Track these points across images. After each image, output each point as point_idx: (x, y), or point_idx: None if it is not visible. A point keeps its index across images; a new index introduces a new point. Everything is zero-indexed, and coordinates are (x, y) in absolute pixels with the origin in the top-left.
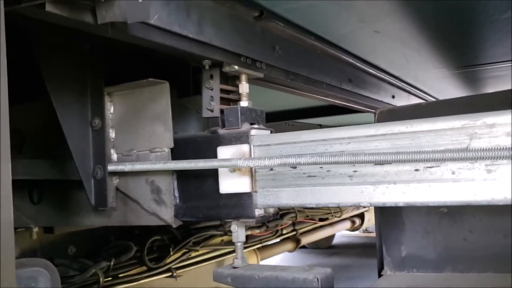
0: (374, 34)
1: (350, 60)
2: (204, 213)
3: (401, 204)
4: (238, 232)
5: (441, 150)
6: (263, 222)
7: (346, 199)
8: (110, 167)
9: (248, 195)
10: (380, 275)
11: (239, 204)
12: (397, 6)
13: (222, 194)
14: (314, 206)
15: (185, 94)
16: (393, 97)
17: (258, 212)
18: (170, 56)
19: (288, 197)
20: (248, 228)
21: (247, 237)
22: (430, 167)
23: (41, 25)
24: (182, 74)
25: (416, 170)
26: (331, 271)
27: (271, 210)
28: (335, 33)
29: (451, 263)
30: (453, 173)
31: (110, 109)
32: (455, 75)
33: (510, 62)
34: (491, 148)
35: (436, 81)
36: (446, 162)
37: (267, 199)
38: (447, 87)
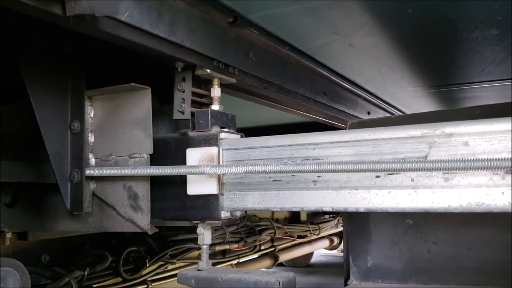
0: (348, 48)
1: (325, 73)
2: (171, 214)
3: (362, 210)
4: (204, 235)
5: (400, 160)
6: (229, 224)
7: (310, 204)
8: (87, 171)
9: (215, 197)
10: (346, 285)
11: (205, 206)
12: (369, 19)
13: (189, 195)
14: (279, 210)
15: (167, 102)
16: (369, 113)
17: (224, 214)
18: (153, 61)
19: (254, 200)
20: (226, 242)
21: (225, 252)
22: (390, 174)
23: (24, 26)
24: (165, 81)
25: (377, 176)
26: (294, 275)
27: (238, 213)
28: (310, 44)
29: (415, 274)
30: (412, 180)
31: (90, 112)
32: (430, 94)
33: (483, 83)
34: (449, 159)
35: (412, 99)
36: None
37: (233, 202)
38: (422, 106)
